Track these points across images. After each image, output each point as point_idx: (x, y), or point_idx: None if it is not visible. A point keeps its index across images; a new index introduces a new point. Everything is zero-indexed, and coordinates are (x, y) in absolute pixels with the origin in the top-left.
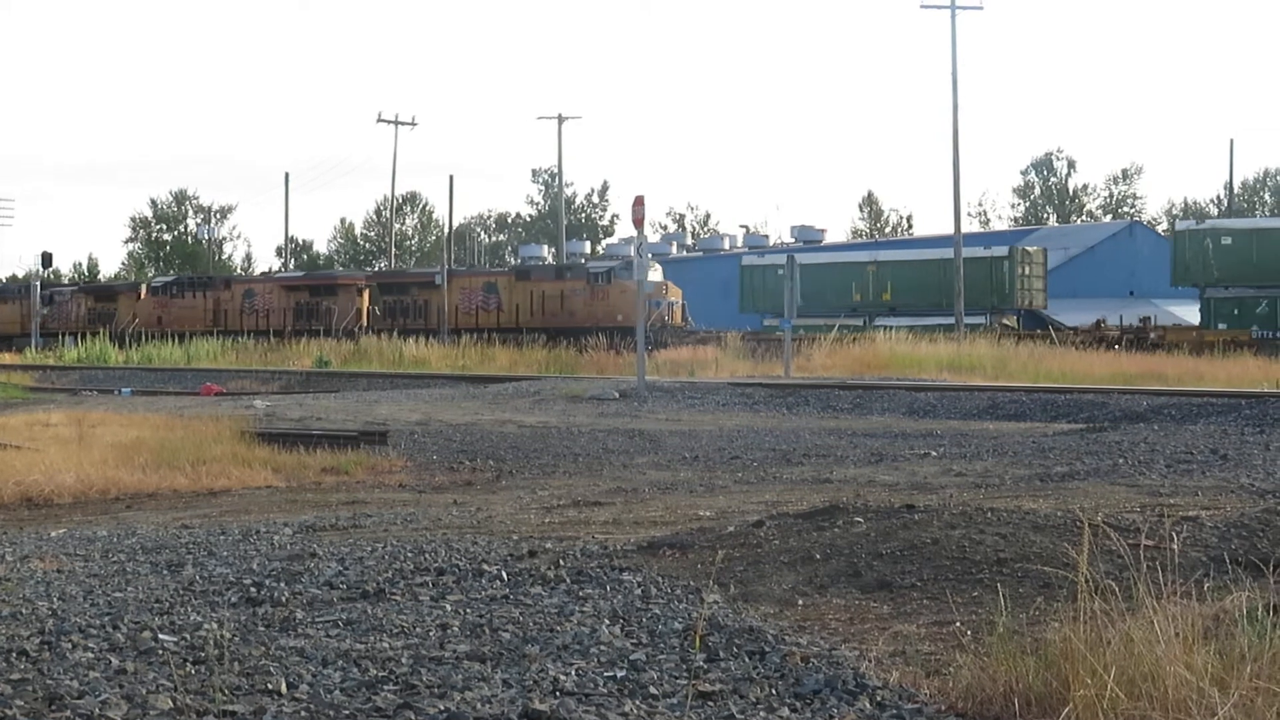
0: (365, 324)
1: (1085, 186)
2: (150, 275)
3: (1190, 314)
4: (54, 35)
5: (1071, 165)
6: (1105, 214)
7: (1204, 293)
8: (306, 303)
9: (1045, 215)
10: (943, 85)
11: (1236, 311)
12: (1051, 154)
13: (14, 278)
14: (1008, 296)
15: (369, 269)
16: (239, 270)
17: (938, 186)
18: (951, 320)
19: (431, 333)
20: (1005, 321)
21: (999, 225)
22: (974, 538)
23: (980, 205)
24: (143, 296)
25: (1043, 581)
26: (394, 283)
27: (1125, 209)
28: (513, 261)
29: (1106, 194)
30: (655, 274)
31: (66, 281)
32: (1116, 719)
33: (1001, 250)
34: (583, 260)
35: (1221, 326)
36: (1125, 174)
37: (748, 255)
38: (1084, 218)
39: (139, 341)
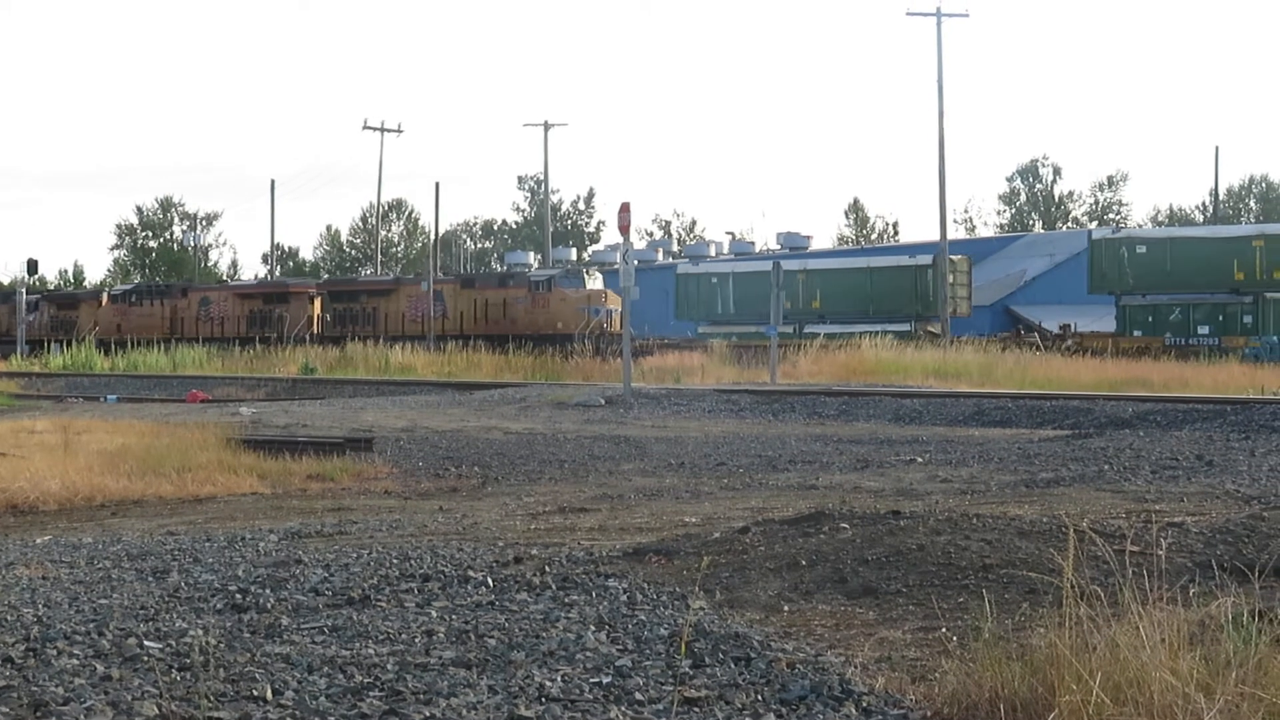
0: (316, 331)
1: (1071, 193)
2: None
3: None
4: (41, 42)
5: (1057, 172)
6: (1091, 220)
7: (1120, 300)
8: (260, 310)
9: (1031, 222)
10: (929, 92)
11: (1150, 319)
12: (1037, 161)
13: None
14: (931, 304)
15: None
16: (224, 278)
17: (924, 193)
18: (875, 327)
19: (379, 339)
20: (930, 329)
21: (985, 231)
22: (960, 544)
23: (966, 212)
24: (103, 304)
25: (1028, 587)
26: (345, 290)
27: (1111, 215)
28: (499, 269)
29: (1092, 200)
30: (595, 283)
31: (52, 288)
32: None
33: (925, 259)
34: (525, 269)
35: (1136, 333)
36: (1110, 181)
37: (683, 264)
38: (1069, 224)
39: (109, 350)
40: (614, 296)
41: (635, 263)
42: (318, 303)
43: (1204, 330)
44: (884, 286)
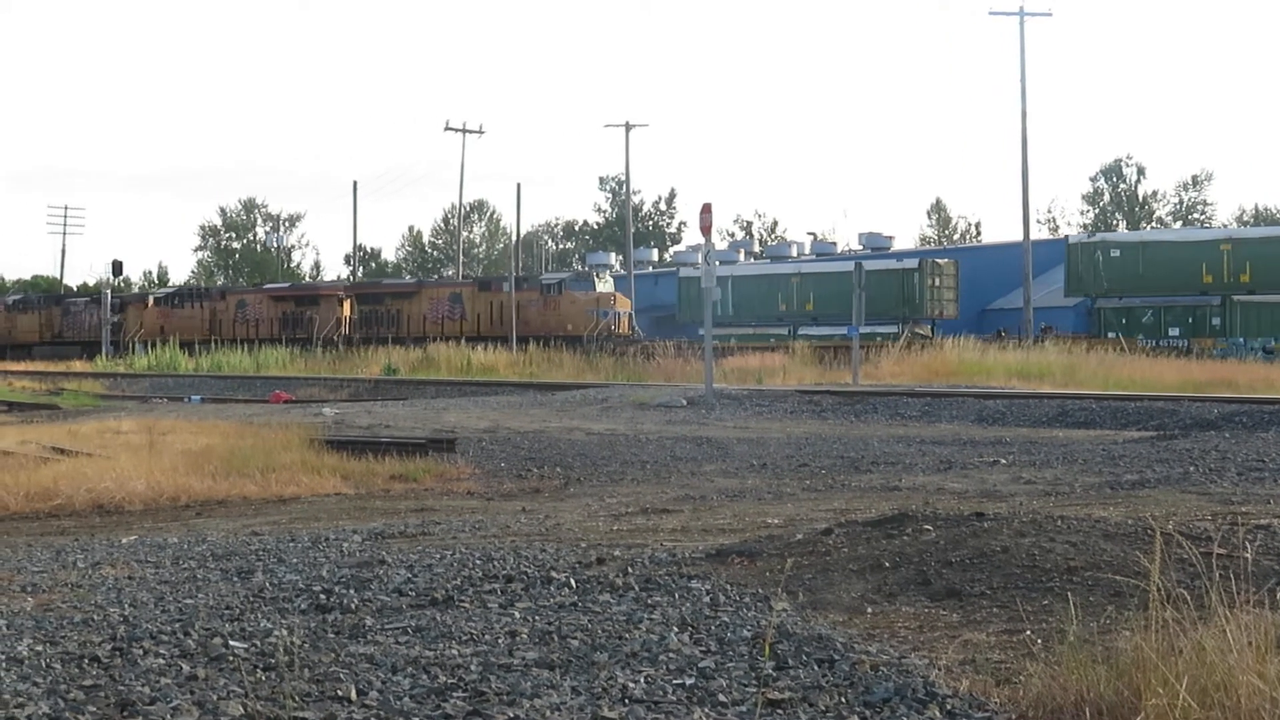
0: (345, 332)
1: (1155, 193)
2: (220, 283)
3: None
4: (130, 45)
5: (1141, 171)
6: (1175, 220)
7: (1095, 303)
8: (292, 312)
9: (1115, 222)
10: (1012, 91)
11: (1124, 321)
12: (1121, 160)
13: (85, 286)
14: (918, 307)
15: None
16: (307, 278)
17: (1007, 193)
18: (866, 329)
19: (403, 340)
20: (919, 330)
21: (1068, 231)
22: (1044, 546)
23: (1049, 212)
24: (149, 307)
25: (1114, 590)
26: (370, 293)
27: (1195, 215)
28: (579, 269)
29: (1176, 200)
30: (606, 286)
31: (136, 290)
32: None
33: (912, 263)
34: (538, 274)
35: (1111, 335)
36: (1195, 180)
37: (685, 268)
38: (1154, 224)
39: (151, 348)
40: (623, 299)
41: (717, 264)
42: (347, 305)
43: (1174, 332)
44: (873, 290)
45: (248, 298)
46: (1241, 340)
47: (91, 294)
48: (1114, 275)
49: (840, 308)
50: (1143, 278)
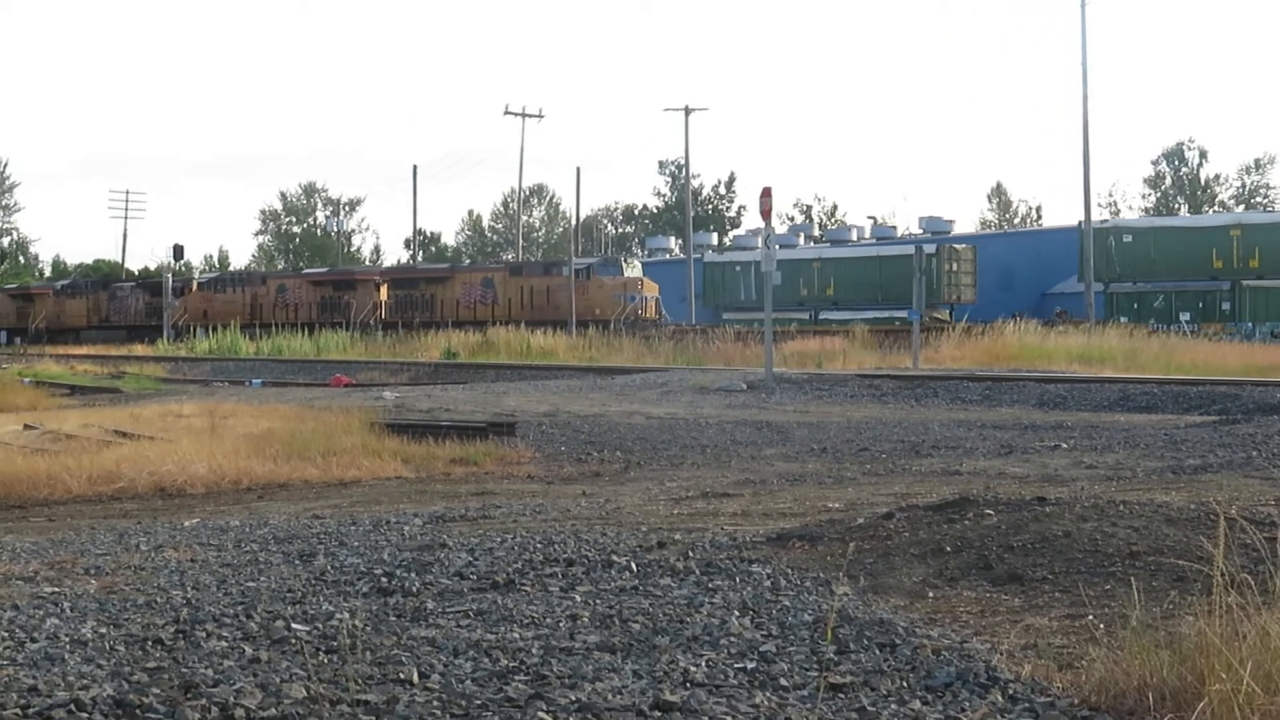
0: (381, 316)
1: (1217, 176)
2: (280, 267)
3: None
4: (189, 32)
5: (1203, 155)
6: (1238, 204)
7: (1107, 288)
8: (330, 297)
9: (1176, 206)
10: (1072, 74)
11: (1136, 305)
12: (1183, 144)
13: (145, 270)
14: (936, 292)
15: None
16: (367, 263)
17: (1068, 176)
18: (883, 313)
19: (438, 324)
20: (936, 315)
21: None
22: (1106, 530)
23: (1111, 195)
24: (192, 291)
25: (1176, 575)
26: (405, 278)
27: (1258, 199)
28: (640, 254)
29: (1239, 184)
30: (634, 271)
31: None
32: (1253, 714)
33: (930, 248)
34: (564, 259)
35: (1123, 320)
36: (1258, 164)
37: (710, 254)
38: (1216, 208)
39: (194, 333)
40: (650, 284)
41: (776, 248)
42: (383, 290)
43: (1185, 317)
44: (892, 275)
45: (288, 282)
46: (1250, 324)
47: (137, 279)
48: (1126, 260)
49: (858, 293)
50: (1154, 263)
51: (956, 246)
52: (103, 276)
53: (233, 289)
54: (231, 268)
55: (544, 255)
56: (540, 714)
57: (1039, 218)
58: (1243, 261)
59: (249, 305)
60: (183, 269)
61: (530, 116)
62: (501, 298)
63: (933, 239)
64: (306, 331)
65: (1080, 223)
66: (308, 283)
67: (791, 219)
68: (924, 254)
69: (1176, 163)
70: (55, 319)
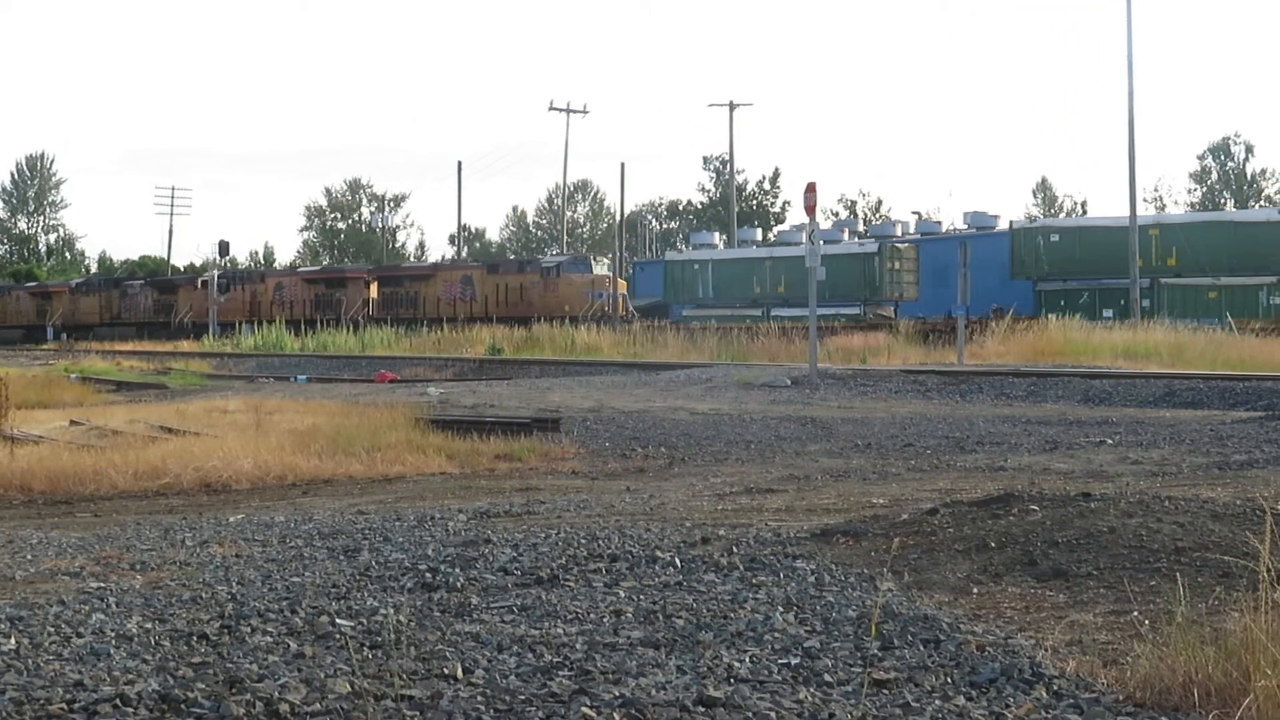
0: (370, 313)
1: (1264, 171)
2: (325, 263)
3: None
4: (235, 27)
5: (1250, 150)
6: None
7: (1036, 285)
8: (323, 294)
9: (1223, 200)
10: (1118, 68)
11: (1063, 303)
12: (1229, 138)
13: (191, 266)
14: (878, 289)
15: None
16: (411, 258)
17: (1113, 171)
18: (829, 310)
19: (421, 321)
20: (880, 312)
21: (1175, 210)
22: (1151, 526)
23: (1156, 190)
24: (198, 289)
25: (1222, 571)
26: (391, 276)
27: None
28: (682, 249)
29: None
30: (602, 269)
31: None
32: None
33: (872, 247)
34: (539, 257)
35: (1051, 317)
36: None
37: (671, 252)
38: (1262, 203)
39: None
40: (619, 281)
41: (821, 243)
42: (373, 287)
43: (1108, 313)
44: (837, 273)
45: (284, 280)
46: (1168, 322)
47: (145, 277)
48: (1054, 259)
49: (807, 290)
50: (1079, 261)
51: (899, 246)
52: (115, 275)
53: (235, 287)
54: (276, 264)
55: (589, 251)
56: (584, 709)
57: (1084, 212)
58: (1161, 260)
59: (249, 303)
60: (228, 265)
61: (575, 112)
62: (479, 295)
63: (875, 240)
64: (302, 328)
65: (1012, 224)
66: (302, 280)
67: (836, 215)
68: (867, 253)
69: (1223, 157)
70: (70, 316)
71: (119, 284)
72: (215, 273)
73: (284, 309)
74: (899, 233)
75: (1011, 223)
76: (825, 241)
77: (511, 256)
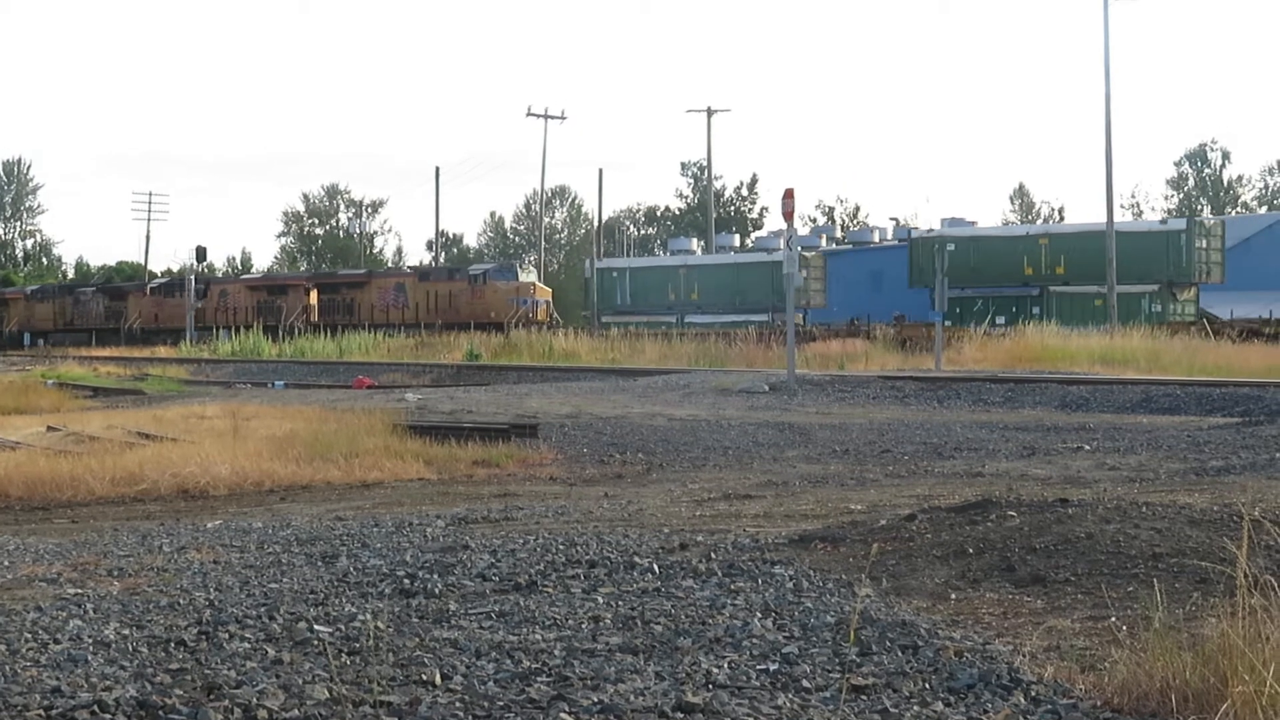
0: (310, 319)
1: (1240, 178)
2: (302, 269)
3: None
4: (209, 34)
5: (1226, 156)
6: (1260, 205)
7: (933, 293)
8: (265, 301)
9: (1199, 207)
10: (1095, 75)
11: (959, 310)
12: (1205, 145)
13: (168, 272)
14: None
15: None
16: (389, 264)
17: (1090, 177)
18: (740, 318)
19: (358, 326)
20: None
21: (1152, 216)
22: (1129, 532)
23: (1133, 196)
24: (145, 296)
25: (1199, 576)
26: (329, 283)
27: None
28: (661, 255)
29: (1262, 185)
30: (529, 276)
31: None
32: (1276, 716)
33: (779, 257)
34: (467, 266)
35: (947, 324)
36: None
37: (601, 261)
38: (1239, 209)
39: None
40: (542, 289)
41: (799, 250)
42: (313, 294)
43: (1000, 320)
44: (747, 282)
45: (229, 288)
46: (1057, 328)
47: (96, 284)
48: (950, 268)
49: (719, 298)
50: (974, 270)
51: (806, 254)
52: (68, 282)
53: (181, 294)
54: (254, 270)
55: (567, 257)
56: (563, 715)
57: (1061, 218)
58: (1050, 268)
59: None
60: (206, 270)
61: (553, 118)
62: (411, 301)
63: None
64: (243, 333)
65: (911, 234)
66: (245, 288)
67: (814, 221)
68: (775, 262)
69: (1199, 164)
70: (26, 322)
71: (72, 290)
72: (192, 278)
73: (228, 315)
74: (876, 239)
75: (910, 233)
76: (733, 250)
77: (444, 264)
